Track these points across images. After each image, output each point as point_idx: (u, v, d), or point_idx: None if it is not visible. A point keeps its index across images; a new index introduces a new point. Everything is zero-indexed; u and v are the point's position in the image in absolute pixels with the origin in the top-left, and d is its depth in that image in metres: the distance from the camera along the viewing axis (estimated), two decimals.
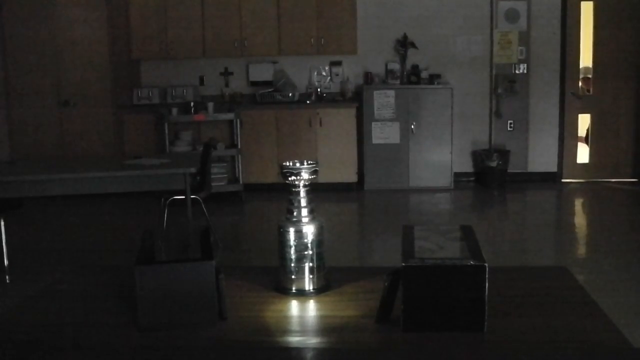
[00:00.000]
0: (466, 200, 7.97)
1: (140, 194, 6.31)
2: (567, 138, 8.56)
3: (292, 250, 2.18)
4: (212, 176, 6.36)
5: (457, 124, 8.29)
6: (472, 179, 8.61)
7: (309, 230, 2.18)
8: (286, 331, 1.96)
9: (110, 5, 7.91)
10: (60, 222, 7.17)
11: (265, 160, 8.08)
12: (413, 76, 8.22)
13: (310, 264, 2.19)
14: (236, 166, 8.02)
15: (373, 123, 8.14)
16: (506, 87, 8.41)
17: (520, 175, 8.46)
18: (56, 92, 7.95)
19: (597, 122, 8.54)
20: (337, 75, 8.59)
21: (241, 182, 7.96)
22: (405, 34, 8.31)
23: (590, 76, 8.44)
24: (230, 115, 7.88)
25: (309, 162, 2.20)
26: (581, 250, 5.97)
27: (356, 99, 8.36)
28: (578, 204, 8.03)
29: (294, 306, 2.12)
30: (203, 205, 5.70)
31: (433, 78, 8.19)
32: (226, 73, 8.64)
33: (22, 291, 4.66)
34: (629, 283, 4.98)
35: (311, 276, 2.19)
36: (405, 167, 8.20)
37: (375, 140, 8.16)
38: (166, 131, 7.74)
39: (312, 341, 1.89)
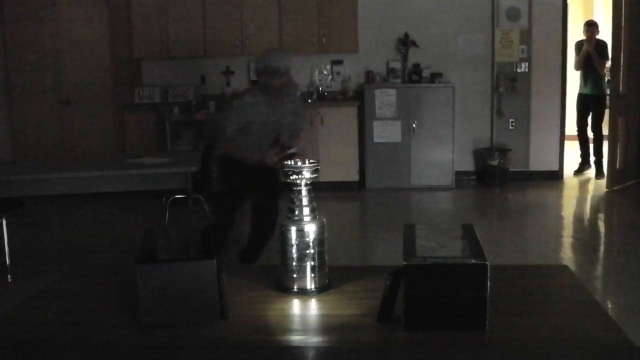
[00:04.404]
0: (467, 199, 7.96)
1: (142, 193, 6.32)
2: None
3: (294, 249, 2.18)
4: (214, 175, 6.35)
5: (458, 123, 8.28)
6: (473, 177, 8.59)
7: (311, 229, 2.17)
8: (287, 330, 1.96)
9: (111, 5, 7.90)
10: (61, 222, 7.16)
11: None
12: (414, 75, 8.21)
13: (312, 263, 2.18)
14: None
15: (374, 122, 8.13)
16: (507, 86, 8.39)
17: (522, 174, 8.44)
18: (57, 91, 7.95)
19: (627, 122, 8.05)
20: (338, 74, 8.58)
21: None
22: (406, 32, 8.29)
23: None
24: None
25: (310, 161, 2.20)
26: (582, 249, 5.95)
27: (357, 98, 8.34)
28: (579, 203, 8.02)
29: (295, 305, 2.12)
30: (205, 204, 5.69)
31: (434, 77, 8.18)
32: (227, 72, 8.63)
33: (24, 290, 4.64)
34: (629, 283, 4.97)
35: (312, 275, 2.19)
36: (407, 166, 8.19)
37: (376, 139, 8.15)
38: (167, 130, 7.74)
39: (314, 340, 1.89)
